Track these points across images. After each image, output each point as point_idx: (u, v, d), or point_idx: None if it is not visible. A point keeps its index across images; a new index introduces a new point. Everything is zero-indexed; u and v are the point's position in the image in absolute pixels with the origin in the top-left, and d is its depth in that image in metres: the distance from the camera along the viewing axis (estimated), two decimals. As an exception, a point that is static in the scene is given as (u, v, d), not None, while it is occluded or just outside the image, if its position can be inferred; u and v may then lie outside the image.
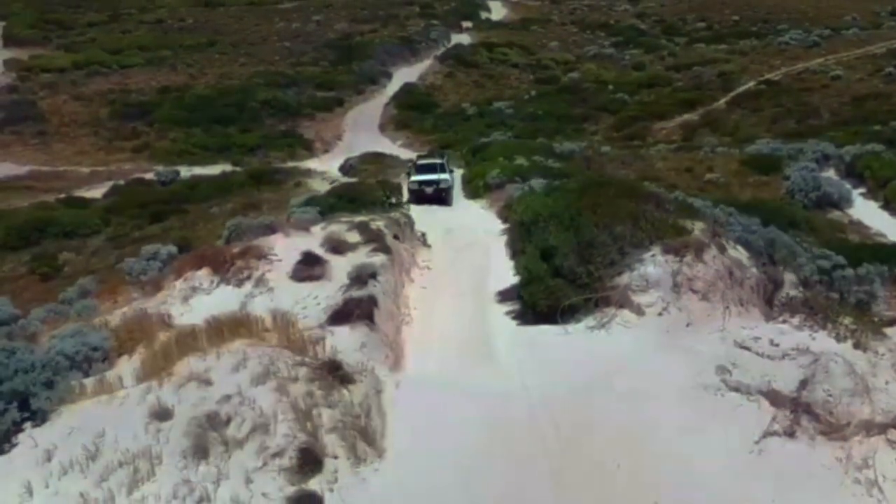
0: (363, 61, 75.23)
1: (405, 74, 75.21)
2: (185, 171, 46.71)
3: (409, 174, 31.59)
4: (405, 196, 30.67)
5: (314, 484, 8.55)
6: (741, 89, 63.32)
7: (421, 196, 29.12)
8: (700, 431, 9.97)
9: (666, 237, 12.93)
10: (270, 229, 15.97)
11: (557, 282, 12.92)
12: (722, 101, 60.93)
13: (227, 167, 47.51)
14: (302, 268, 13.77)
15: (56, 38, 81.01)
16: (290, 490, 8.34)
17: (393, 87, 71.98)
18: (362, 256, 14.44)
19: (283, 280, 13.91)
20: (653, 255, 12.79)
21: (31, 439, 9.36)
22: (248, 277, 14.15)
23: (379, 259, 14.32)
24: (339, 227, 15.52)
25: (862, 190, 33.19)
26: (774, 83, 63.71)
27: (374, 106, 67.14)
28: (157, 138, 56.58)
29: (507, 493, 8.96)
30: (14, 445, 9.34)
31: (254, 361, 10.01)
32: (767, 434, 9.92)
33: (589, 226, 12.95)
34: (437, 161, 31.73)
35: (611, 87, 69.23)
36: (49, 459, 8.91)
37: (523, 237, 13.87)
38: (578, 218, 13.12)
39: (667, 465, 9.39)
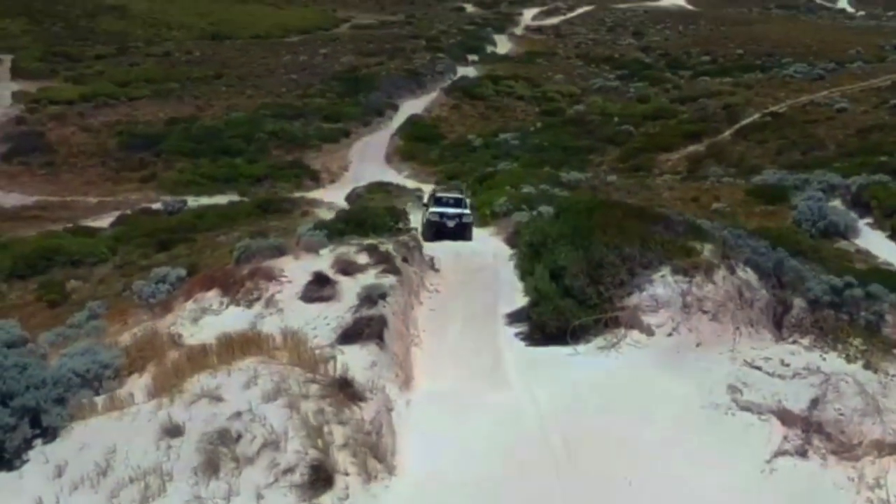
0: (369, 93, 75.78)
1: (411, 106, 75.73)
2: (192, 201, 47.03)
3: (426, 206, 29.72)
4: (413, 225, 29.66)
5: (325, 501, 8.54)
6: (746, 121, 63.54)
7: (441, 230, 27.03)
8: (711, 450, 9.98)
9: (675, 258, 12.95)
10: (280, 251, 16.02)
11: (567, 302, 12.93)
12: (727, 133, 61.13)
13: (234, 197, 47.84)
14: (312, 288, 13.81)
15: (64, 70, 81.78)
16: (301, 507, 8.22)
17: (399, 118, 72.45)
18: (371, 278, 14.48)
19: (293, 301, 13.95)
20: (662, 276, 12.82)
21: (42, 455, 9.43)
22: (258, 298, 14.20)
23: (388, 280, 14.36)
24: (349, 249, 15.60)
25: (868, 220, 33.27)
26: (779, 115, 63.95)
27: (381, 137, 67.61)
28: (165, 169, 57.00)
29: (519, 508, 8.95)
30: (25, 461, 9.42)
31: (264, 379, 10.04)
32: (779, 453, 9.92)
33: (598, 246, 12.98)
34: (458, 195, 30.05)
35: (616, 119, 69.58)
36: (60, 475, 8.98)
37: (532, 258, 13.89)
38: (588, 238, 13.14)
39: (678, 483, 9.39)
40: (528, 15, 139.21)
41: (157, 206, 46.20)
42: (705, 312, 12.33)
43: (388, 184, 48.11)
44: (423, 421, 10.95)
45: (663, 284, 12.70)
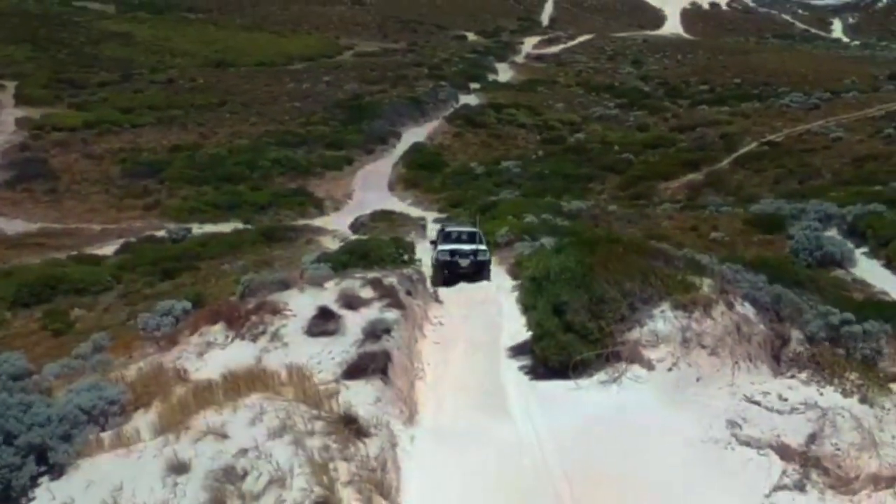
0: (372, 121, 76.18)
1: (414, 134, 76.19)
2: (197, 229, 47.19)
3: (433, 244, 26.30)
4: (417, 256, 28.68)
5: (331, 538, 8.61)
6: (744, 150, 64.18)
7: (454, 271, 23.77)
8: (710, 485, 10.13)
9: (675, 293, 13.16)
10: (284, 285, 16.20)
11: (569, 337, 13.11)
12: (725, 162, 61.70)
13: (238, 224, 48.06)
14: (316, 323, 13.95)
15: (68, 97, 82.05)
16: (307, 545, 8.44)
17: (402, 146, 72.91)
18: (376, 312, 14.66)
19: (298, 335, 14.09)
20: (662, 311, 13.01)
21: (48, 493, 9.52)
22: (263, 332, 14.34)
23: (392, 315, 14.53)
24: (353, 283, 15.76)
25: (864, 249, 33.57)
26: (776, 144, 64.59)
27: (384, 165, 68.02)
28: (168, 196, 57.11)
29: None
30: (31, 500, 9.53)
31: (270, 415, 10.18)
32: (778, 488, 10.08)
33: (599, 282, 13.19)
34: (471, 229, 26.65)
35: (616, 147, 70.15)
36: (67, 513, 9.11)
37: (535, 292, 14.09)
38: (589, 274, 13.36)
39: (678, 518, 9.54)
40: (529, 44, 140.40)
41: (161, 233, 46.25)
42: (704, 347, 12.51)
43: (392, 212, 48.39)
44: (426, 456, 11.11)
45: (663, 319, 12.89)
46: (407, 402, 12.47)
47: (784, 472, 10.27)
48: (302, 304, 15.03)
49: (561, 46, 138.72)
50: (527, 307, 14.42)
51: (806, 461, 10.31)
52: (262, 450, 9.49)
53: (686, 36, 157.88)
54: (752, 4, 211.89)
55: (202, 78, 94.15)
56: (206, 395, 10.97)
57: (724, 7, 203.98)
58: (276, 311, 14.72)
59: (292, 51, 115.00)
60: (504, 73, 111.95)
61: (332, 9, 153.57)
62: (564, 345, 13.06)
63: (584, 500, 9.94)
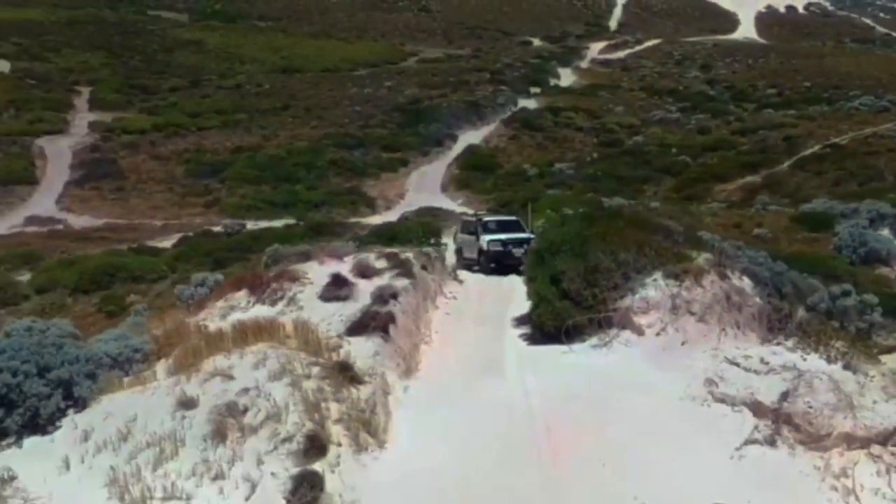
0: (430, 124, 77.07)
1: (470, 137, 76.75)
2: (252, 224, 48.75)
3: (474, 234, 25.26)
4: (444, 241, 28.68)
5: (318, 466, 9.36)
6: (806, 153, 63.05)
7: (506, 261, 22.71)
8: (685, 438, 10.54)
9: (668, 264, 13.59)
10: (305, 257, 17.06)
11: (564, 304, 13.69)
12: (785, 164, 60.70)
13: (291, 221, 49.34)
14: (330, 289, 14.78)
15: (139, 102, 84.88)
16: (296, 470, 9.18)
17: (457, 149, 73.59)
18: (386, 280, 15.42)
19: (313, 300, 14.95)
20: (654, 280, 13.47)
21: (72, 422, 10.58)
22: (282, 297, 15.24)
23: (401, 283, 15.27)
24: (369, 256, 16.58)
25: (916, 248, 32.85)
26: (840, 147, 63.27)
27: (438, 167, 68.91)
28: (228, 194, 59.10)
29: (497, 483, 9.64)
30: (58, 428, 10.64)
31: (272, 360, 11.04)
32: (749, 442, 10.45)
33: (595, 252, 13.72)
34: (513, 218, 26.39)
35: (674, 149, 69.59)
36: (86, 439, 10.08)
37: (537, 264, 14.67)
38: (587, 244, 13.89)
39: (649, 466, 9.95)
40: (595, 48, 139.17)
41: (217, 228, 48.03)
42: (692, 314, 12.91)
43: (438, 209, 49.22)
44: (417, 405, 11.85)
45: (655, 287, 13.35)
46: (406, 359, 13.18)
47: (756, 428, 10.61)
48: (320, 273, 15.90)
49: (627, 51, 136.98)
50: (530, 279, 15.01)
51: (778, 417, 10.60)
52: (262, 389, 10.38)
53: (760, 40, 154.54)
54: (830, 8, 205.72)
55: (268, 83, 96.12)
56: (216, 342, 11.92)
57: (802, 11, 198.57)
58: (294, 278, 15.60)
59: (357, 57, 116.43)
60: (567, 77, 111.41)
61: (399, 16, 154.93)
62: (559, 311, 13.65)
63: (561, 448, 10.48)
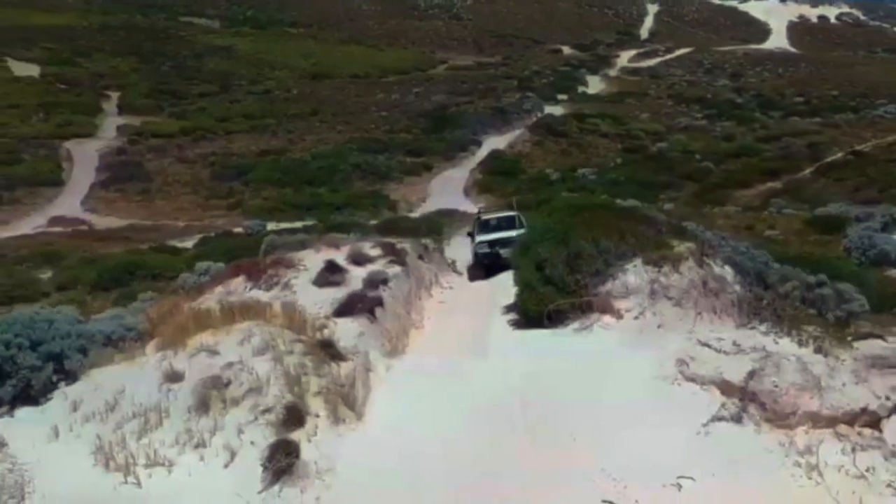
0: (455, 130, 77.66)
1: (495, 142, 77.12)
2: (273, 225, 49.11)
3: (470, 236, 24.38)
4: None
5: (295, 435, 9.74)
6: (829, 159, 62.85)
7: (495, 262, 21.04)
8: (654, 414, 10.81)
9: (648, 250, 13.92)
10: (302, 245, 17.53)
11: (548, 289, 14.04)
12: (807, 171, 60.60)
13: (312, 222, 49.82)
14: (324, 275, 15.23)
15: (168, 107, 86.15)
16: (274, 439, 9.57)
17: (482, 154, 73.98)
18: (379, 267, 15.86)
19: (307, 285, 15.36)
20: (634, 266, 13.80)
21: (63, 394, 11.08)
22: (277, 283, 15.69)
23: (393, 270, 15.71)
24: (364, 244, 17.03)
25: (930, 252, 32.69)
26: (863, 154, 63.02)
27: (462, 172, 69.24)
28: (252, 197, 59.87)
29: (471, 455, 9.98)
30: (49, 399, 11.12)
31: (257, 337, 11.47)
32: (716, 419, 10.69)
33: (578, 240, 14.08)
34: (509, 214, 24.61)
35: (697, 156, 69.57)
36: (75, 410, 10.53)
37: (524, 253, 15.06)
38: (570, 232, 14.26)
39: (618, 440, 10.23)
40: (626, 57, 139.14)
41: (238, 229, 48.61)
42: (669, 299, 13.18)
43: (456, 210, 49.62)
44: (399, 383, 12.24)
45: (634, 273, 13.67)
46: (392, 341, 13.59)
47: (723, 405, 10.87)
48: (315, 260, 16.36)
49: (657, 59, 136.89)
50: (517, 267, 15.39)
51: (744, 396, 10.87)
52: (245, 364, 10.82)
53: (791, 50, 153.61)
54: (863, 18, 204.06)
55: (297, 89, 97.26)
56: (204, 320, 12.40)
57: (833, 21, 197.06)
58: (290, 265, 16.08)
59: (387, 64, 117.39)
60: (595, 85, 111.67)
61: (429, 24, 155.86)
62: (543, 297, 14.00)
63: (534, 424, 10.83)
